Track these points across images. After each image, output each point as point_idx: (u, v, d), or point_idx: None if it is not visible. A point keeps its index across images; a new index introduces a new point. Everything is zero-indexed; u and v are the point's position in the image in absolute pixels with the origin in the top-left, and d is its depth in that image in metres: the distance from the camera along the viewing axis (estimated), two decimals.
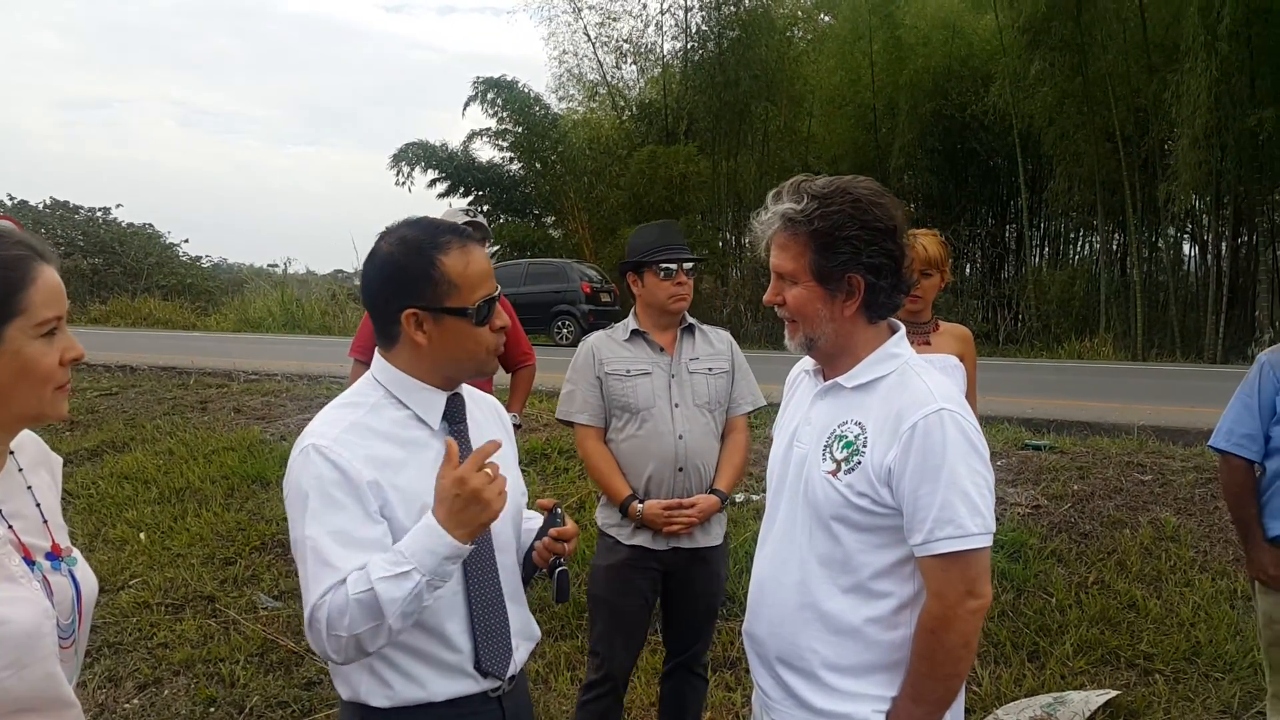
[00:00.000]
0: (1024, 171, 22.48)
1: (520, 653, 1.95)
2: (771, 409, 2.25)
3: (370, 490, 1.74)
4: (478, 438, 1.94)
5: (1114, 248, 23.62)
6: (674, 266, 3.33)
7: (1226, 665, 4.28)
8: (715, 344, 3.48)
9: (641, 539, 3.27)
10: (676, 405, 3.31)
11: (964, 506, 1.73)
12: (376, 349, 1.92)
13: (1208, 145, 17.78)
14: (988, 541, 1.76)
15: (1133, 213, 20.29)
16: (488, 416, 2.06)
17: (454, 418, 1.91)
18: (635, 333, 3.41)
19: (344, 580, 1.67)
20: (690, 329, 3.45)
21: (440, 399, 1.89)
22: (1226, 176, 19.06)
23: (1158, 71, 18.87)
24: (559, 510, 1.99)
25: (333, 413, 1.85)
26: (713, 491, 3.31)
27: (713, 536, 3.36)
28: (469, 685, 1.85)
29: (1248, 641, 4.30)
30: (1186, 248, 23.29)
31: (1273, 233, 20.91)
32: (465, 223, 4.27)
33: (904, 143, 23.80)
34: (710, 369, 3.39)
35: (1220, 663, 4.30)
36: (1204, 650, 4.39)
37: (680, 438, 3.27)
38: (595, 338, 3.47)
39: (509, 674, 1.90)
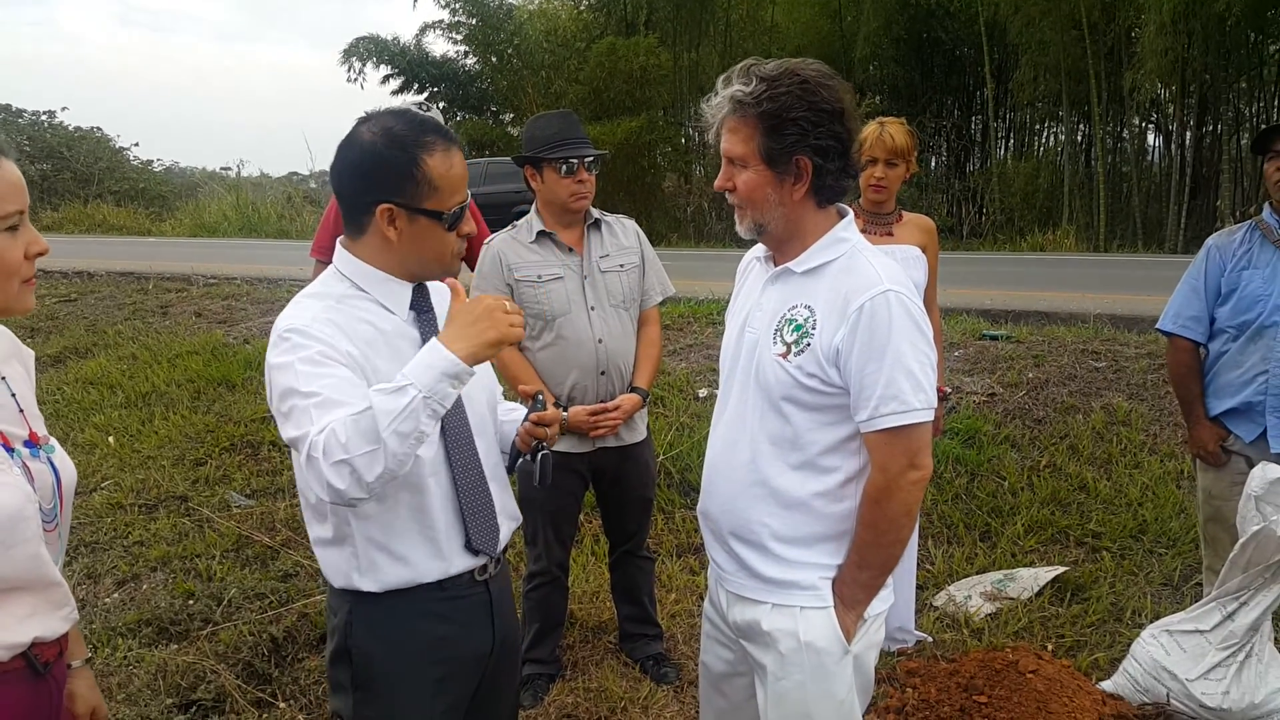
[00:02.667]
0: (990, 61, 22.20)
1: (504, 531, 2.00)
2: (713, 301, 2.27)
3: (350, 361, 1.73)
4: None
5: (1079, 139, 23.56)
6: (575, 161, 3.18)
7: (1170, 541, 4.48)
8: (622, 237, 3.40)
9: (566, 444, 3.26)
10: (593, 308, 3.26)
11: (907, 383, 1.79)
12: (339, 239, 1.91)
13: (1175, 32, 17.65)
14: (929, 416, 1.83)
15: (1098, 103, 20.21)
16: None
17: (420, 307, 1.92)
18: (542, 233, 3.28)
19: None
20: (596, 224, 3.36)
21: (406, 290, 1.89)
22: (1193, 64, 19.00)
23: None
24: (540, 396, 2.03)
25: (302, 302, 1.83)
26: (633, 390, 3.33)
27: (637, 433, 3.41)
28: (457, 565, 1.90)
29: (1191, 519, 4.48)
30: (1151, 138, 23.35)
31: (1237, 121, 20.95)
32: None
33: (869, 31, 23.36)
34: (622, 265, 3.33)
35: (1165, 539, 4.50)
36: (1150, 528, 4.59)
37: (600, 341, 3.25)
38: (499, 241, 3.32)
39: (496, 552, 1.96)
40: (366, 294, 1.85)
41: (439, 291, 2.01)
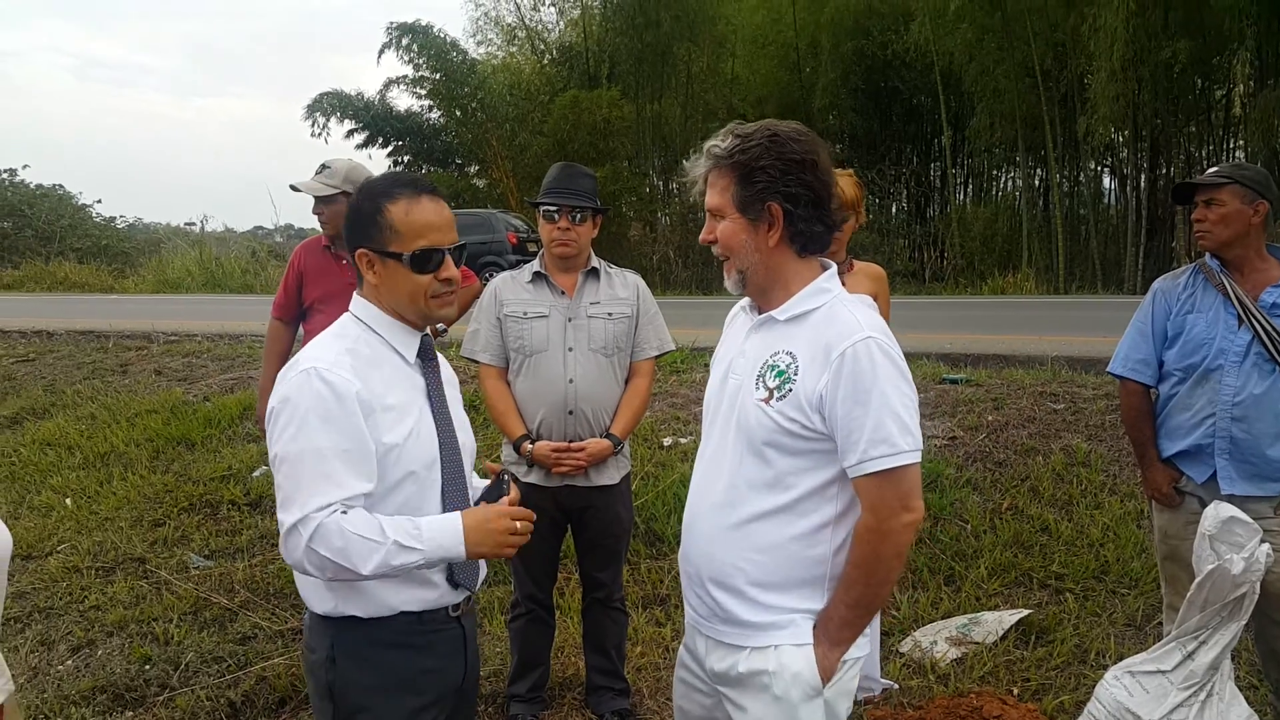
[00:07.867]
0: (946, 109, 22.71)
1: (482, 570, 2.13)
2: (699, 353, 2.30)
3: (364, 409, 1.89)
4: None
5: (1036, 183, 24.09)
6: (556, 211, 3.33)
7: (1132, 581, 4.51)
8: (619, 289, 3.47)
9: (535, 477, 3.37)
10: (570, 349, 3.34)
11: (895, 426, 1.83)
12: (355, 292, 2.08)
13: (1125, 78, 18.20)
14: (918, 458, 1.87)
15: (1053, 148, 20.70)
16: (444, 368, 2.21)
17: (426, 355, 2.08)
18: (537, 275, 3.42)
19: (343, 507, 1.83)
20: (594, 271, 3.45)
21: (414, 337, 2.07)
22: (1143, 109, 19.56)
23: (1075, 5, 19.17)
24: (506, 478, 2.08)
25: (325, 340, 2.01)
26: (606, 435, 3.37)
27: (607, 477, 3.43)
28: (439, 598, 2.03)
29: (1151, 559, 4.51)
30: (1106, 181, 23.90)
31: (1189, 164, 21.47)
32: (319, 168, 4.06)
33: (827, 82, 23.88)
34: (610, 314, 3.40)
35: (1126, 579, 4.54)
36: (1112, 569, 4.62)
37: (571, 381, 3.32)
38: (500, 279, 3.50)
39: (475, 587, 2.09)
40: (379, 336, 2.03)
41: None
